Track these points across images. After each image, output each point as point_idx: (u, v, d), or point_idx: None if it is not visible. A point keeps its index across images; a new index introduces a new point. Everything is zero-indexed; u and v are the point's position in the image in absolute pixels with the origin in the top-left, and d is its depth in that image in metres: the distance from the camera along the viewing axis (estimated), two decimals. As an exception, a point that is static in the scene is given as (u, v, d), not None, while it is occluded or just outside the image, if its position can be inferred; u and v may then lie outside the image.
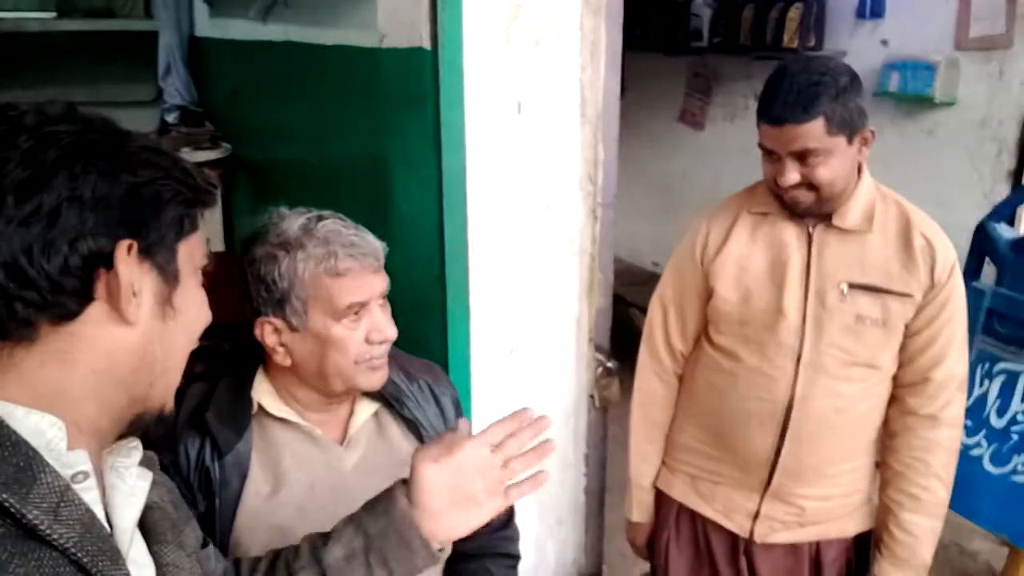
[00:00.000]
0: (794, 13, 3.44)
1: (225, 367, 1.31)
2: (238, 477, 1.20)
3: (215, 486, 1.19)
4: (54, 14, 3.92)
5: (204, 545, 0.87)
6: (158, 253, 0.71)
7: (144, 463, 0.78)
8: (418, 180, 1.73)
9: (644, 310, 3.23)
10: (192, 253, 0.76)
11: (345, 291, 1.18)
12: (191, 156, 3.49)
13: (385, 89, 1.83)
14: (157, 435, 1.20)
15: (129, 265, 0.68)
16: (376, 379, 1.24)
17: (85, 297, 0.67)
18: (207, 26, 3.68)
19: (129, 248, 0.67)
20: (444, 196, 1.67)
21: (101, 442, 0.72)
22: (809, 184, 1.44)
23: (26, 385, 0.66)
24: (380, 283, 1.22)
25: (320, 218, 1.21)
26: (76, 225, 0.65)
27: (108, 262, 0.67)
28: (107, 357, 0.69)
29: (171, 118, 3.73)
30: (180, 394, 1.25)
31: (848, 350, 1.51)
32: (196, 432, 1.20)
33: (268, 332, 1.21)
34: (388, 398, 1.32)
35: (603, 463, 1.98)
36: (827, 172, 1.42)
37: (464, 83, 1.62)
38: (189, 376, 1.38)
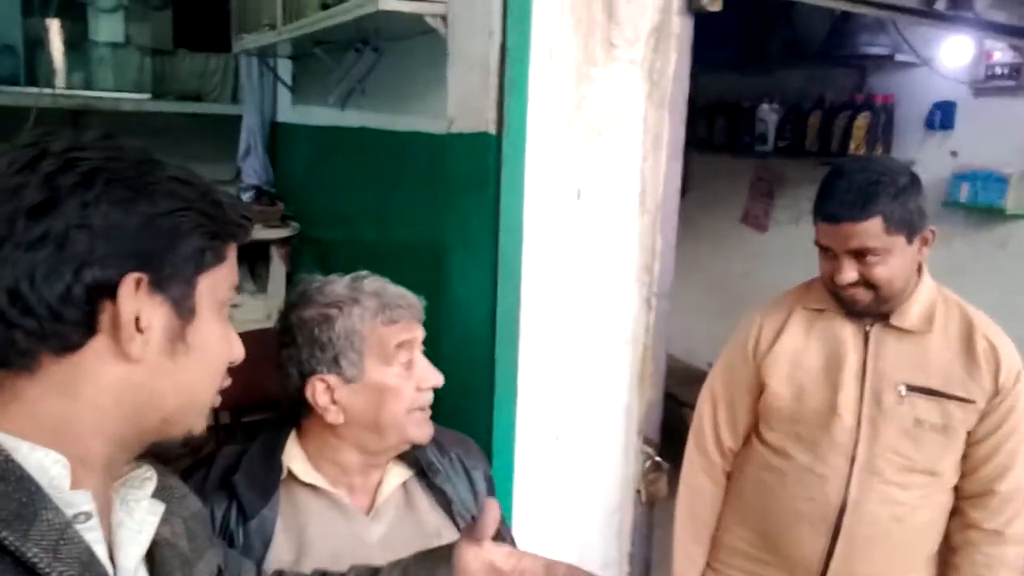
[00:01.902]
0: (861, 121, 3.45)
1: (259, 431, 1.32)
2: (261, 543, 1.19)
3: (237, 550, 1.17)
4: (148, 95, 4.17)
5: (220, 572, 0.86)
6: (173, 287, 0.69)
7: (159, 494, 0.76)
8: (475, 263, 1.75)
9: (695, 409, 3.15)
10: (216, 287, 0.73)
11: (396, 333, 1.23)
12: (261, 233, 3.62)
13: (450, 173, 1.88)
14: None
15: (136, 299, 0.66)
16: (427, 431, 1.27)
17: (87, 329, 0.65)
18: (288, 112, 3.87)
19: (138, 282, 0.66)
20: (499, 279, 1.68)
21: (112, 471, 0.71)
22: (867, 283, 1.41)
23: (30, 417, 0.65)
24: (422, 332, 1.29)
25: (360, 277, 1.28)
26: (82, 253, 0.63)
27: (114, 294, 0.65)
28: (111, 392, 0.67)
29: (246, 197, 3.89)
30: (211, 457, 1.27)
31: (905, 455, 1.45)
32: (224, 494, 1.20)
33: (320, 391, 1.22)
34: (420, 465, 1.31)
35: (648, 563, 1.90)
36: (885, 271, 1.39)
37: (526, 168, 1.65)
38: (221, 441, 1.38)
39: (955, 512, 1.49)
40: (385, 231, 2.52)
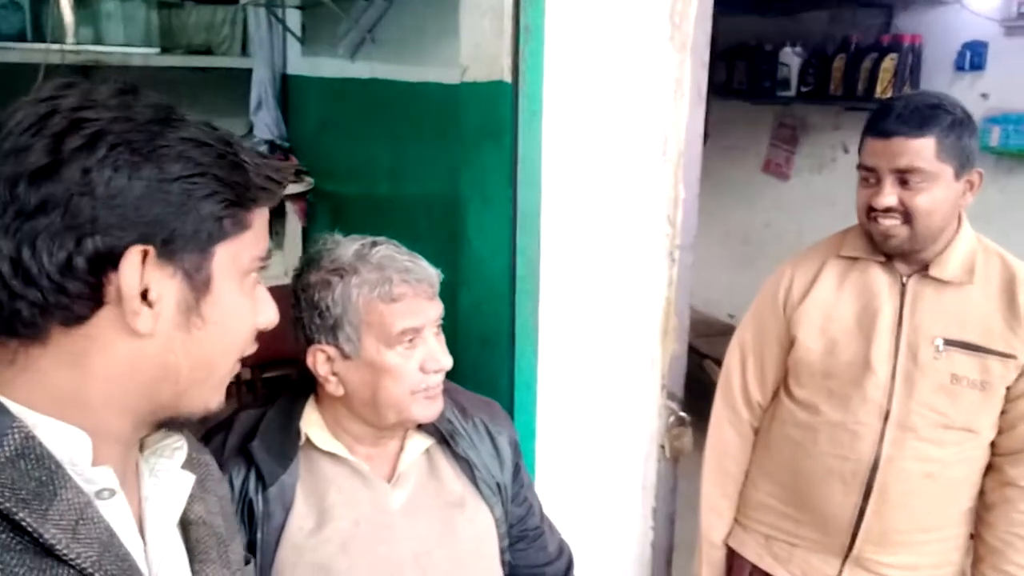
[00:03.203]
0: (888, 63, 3.35)
1: (277, 395, 1.30)
2: (282, 510, 1.17)
3: (258, 518, 1.16)
4: (158, 50, 4.11)
5: (247, 562, 0.84)
6: (185, 258, 0.64)
7: (192, 467, 0.74)
8: (492, 216, 1.70)
9: (719, 362, 3.13)
10: (238, 255, 0.68)
11: (399, 316, 1.15)
12: (275, 189, 3.58)
13: (464, 124, 1.82)
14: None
15: (144, 271, 0.62)
16: (432, 410, 1.20)
17: (94, 300, 0.62)
18: (299, 64, 3.80)
19: (145, 254, 0.62)
20: (518, 232, 1.64)
21: (130, 445, 0.68)
22: (905, 213, 1.36)
23: (42, 387, 0.62)
24: (434, 310, 1.20)
25: (374, 244, 1.20)
26: (84, 222, 0.60)
27: (117, 265, 0.61)
28: (123, 364, 0.64)
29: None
30: (230, 421, 1.25)
31: (942, 411, 1.40)
32: (243, 461, 1.18)
33: (320, 361, 1.19)
34: (442, 434, 1.28)
35: (672, 518, 1.88)
36: (927, 200, 1.34)
37: (543, 117, 1.59)
38: (241, 405, 1.36)
39: (991, 469, 1.46)
40: (400, 185, 2.48)
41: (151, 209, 0.62)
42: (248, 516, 1.17)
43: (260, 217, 0.71)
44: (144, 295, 0.63)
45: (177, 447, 0.73)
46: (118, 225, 0.61)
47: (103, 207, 0.60)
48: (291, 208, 3.66)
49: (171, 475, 0.72)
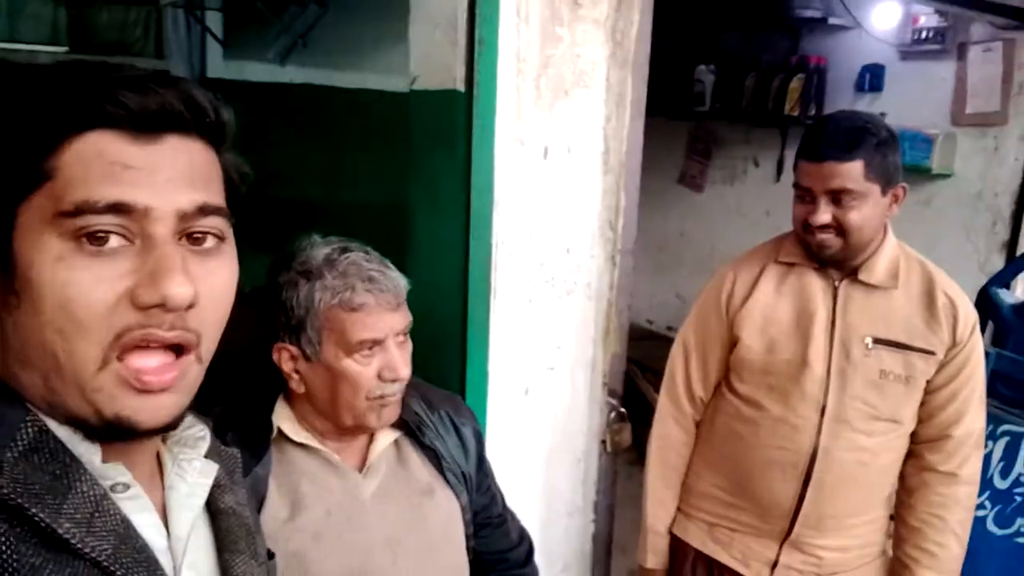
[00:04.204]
0: (796, 83, 3.56)
1: (247, 390, 1.31)
2: (255, 501, 1.18)
3: None
4: (66, 48, 3.96)
5: (271, 556, 0.82)
6: None
7: (219, 458, 0.74)
8: (444, 221, 1.75)
9: (639, 364, 3.24)
10: (40, 218, 0.55)
11: (359, 326, 1.17)
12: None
13: (414, 131, 1.86)
14: None
15: None
16: (386, 417, 1.23)
17: None
18: (220, 67, 3.72)
19: None
20: (471, 237, 1.69)
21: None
22: (839, 228, 1.47)
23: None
24: (399, 321, 1.21)
25: (345, 250, 1.21)
26: None
27: None
28: (11, 340, 0.59)
29: (179, 157, 3.75)
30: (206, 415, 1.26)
31: (872, 404, 1.53)
32: None
33: (285, 358, 1.21)
34: (410, 426, 1.32)
35: (611, 510, 1.97)
36: (858, 217, 1.46)
37: (496, 127, 1.65)
38: (210, 403, 1.36)
39: (911, 455, 1.59)
40: (338, 192, 2.48)
41: None
42: None
43: (76, 157, 0.56)
44: None
45: (200, 436, 0.71)
46: None
47: None
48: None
49: (194, 464, 0.70)
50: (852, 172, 1.44)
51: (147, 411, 0.60)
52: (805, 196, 1.51)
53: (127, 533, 0.61)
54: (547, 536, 1.91)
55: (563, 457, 1.90)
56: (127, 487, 0.63)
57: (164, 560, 0.65)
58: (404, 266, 1.84)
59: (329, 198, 2.57)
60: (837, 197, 1.46)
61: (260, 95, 3.19)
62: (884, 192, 1.48)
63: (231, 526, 0.73)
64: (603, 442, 1.89)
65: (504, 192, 1.70)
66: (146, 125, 0.58)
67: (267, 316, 1.23)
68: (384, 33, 2.03)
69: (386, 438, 1.31)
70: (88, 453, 0.61)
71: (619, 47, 1.79)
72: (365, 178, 2.25)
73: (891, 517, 1.66)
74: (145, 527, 0.64)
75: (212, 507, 0.73)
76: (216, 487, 0.73)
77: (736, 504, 1.66)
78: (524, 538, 1.52)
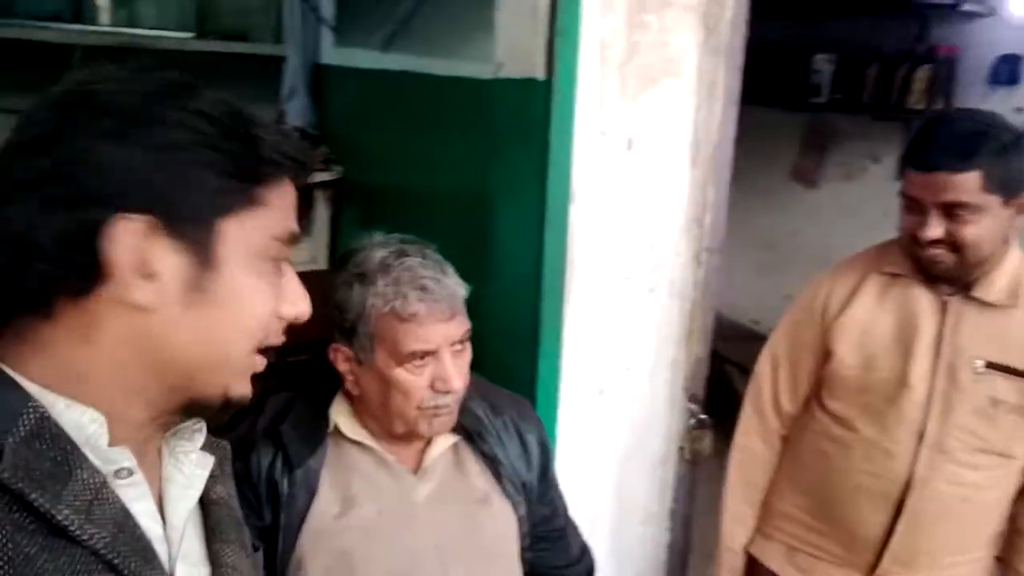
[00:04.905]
0: (922, 74, 3.32)
1: (310, 382, 1.31)
2: (306, 494, 1.18)
3: (282, 500, 1.18)
4: (192, 34, 4.14)
5: (256, 549, 0.83)
6: (187, 230, 0.62)
7: (211, 448, 0.74)
8: (521, 212, 1.71)
9: (739, 366, 3.11)
10: (249, 233, 0.65)
11: (411, 337, 1.14)
12: (303, 178, 3.61)
13: (496, 120, 1.83)
14: (236, 438, 1.21)
15: (138, 242, 0.60)
16: (438, 426, 1.20)
17: (95, 273, 0.60)
18: (331, 53, 3.81)
19: (142, 223, 0.60)
20: (545, 230, 1.64)
21: (146, 427, 0.67)
22: (952, 244, 1.32)
23: (54, 365, 0.62)
24: (453, 330, 1.17)
25: (402, 253, 1.17)
26: (82, 191, 0.59)
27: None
28: (129, 341, 0.63)
29: (289, 140, 3.86)
30: (260, 404, 1.26)
31: (979, 435, 1.38)
32: (270, 443, 1.20)
33: (340, 359, 1.20)
34: (469, 431, 1.28)
35: (688, 520, 1.89)
36: (975, 232, 1.31)
37: (575, 116, 1.60)
38: (269, 388, 1.38)
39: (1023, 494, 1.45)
40: (429, 177, 2.49)
41: (148, 179, 0.61)
42: (273, 498, 1.19)
43: (279, 196, 0.67)
44: (143, 267, 0.61)
45: (197, 429, 0.72)
46: (114, 194, 0.60)
47: (100, 176, 0.59)
48: (320, 196, 3.68)
49: (191, 456, 0.71)
50: (968, 184, 1.28)
51: (250, 392, 0.71)
52: (914, 207, 1.36)
53: (125, 521, 0.62)
54: (619, 542, 1.85)
55: (639, 462, 1.83)
56: (130, 473, 0.64)
57: (160, 549, 0.66)
58: (483, 257, 1.83)
59: (419, 185, 2.58)
60: (950, 210, 1.31)
61: (365, 81, 3.25)
62: (1007, 203, 1.31)
63: (222, 516, 0.75)
64: (681, 448, 1.81)
65: (583, 184, 1.64)
66: (302, 178, 0.71)
67: (329, 315, 1.23)
68: (475, 20, 2.00)
69: (444, 442, 1.28)
70: (96, 436, 0.62)
71: (712, 34, 1.69)
72: (452, 166, 2.24)
73: (998, 559, 1.50)
74: (142, 515, 0.65)
75: (204, 498, 0.73)
76: (209, 478, 0.73)
77: (819, 529, 1.55)
78: (585, 555, 1.46)
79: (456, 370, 1.17)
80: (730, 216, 1.82)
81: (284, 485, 1.19)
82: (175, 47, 4.00)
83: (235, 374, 0.68)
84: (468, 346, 1.21)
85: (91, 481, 0.60)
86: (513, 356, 1.74)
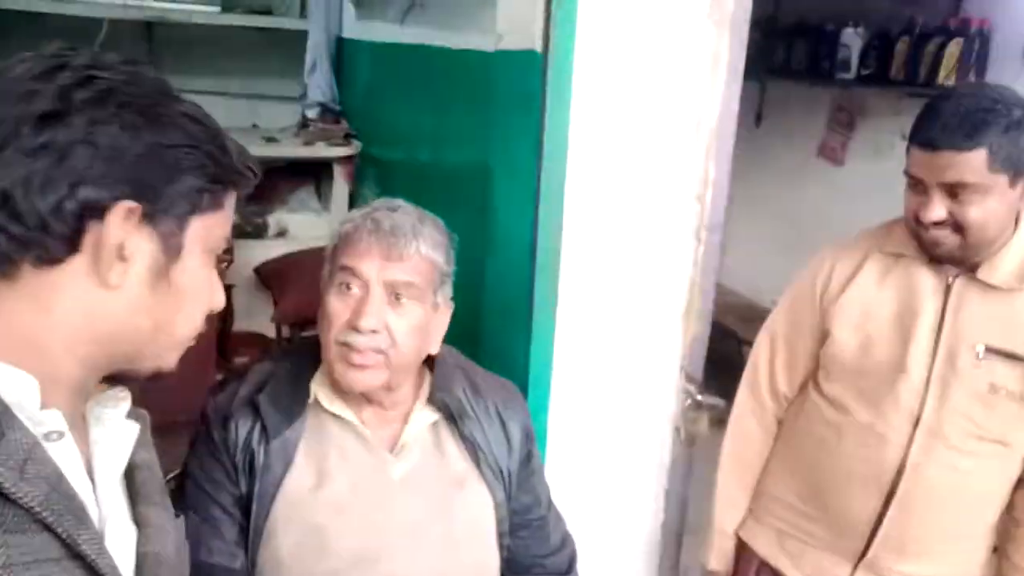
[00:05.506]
0: (954, 48, 3.20)
1: (294, 353, 1.31)
2: (282, 464, 1.19)
3: (257, 469, 1.18)
4: (218, 8, 4.15)
5: (176, 516, 0.85)
6: (164, 222, 0.68)
7: (133, 416, 0.76)
8: (518, 186, 1.69)
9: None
10: (209, 232, 0.73)
11: (343, 254, 1.17)
12: (324, 151, 3.62)
13: (496, 92, 1.81)
14: (216, 406, 1.21)
15: (124, 227, 0.65)
16: (350, 376, 1.16)
17: (72, 245, 0.64)
18: (353, 27, 3.81)
19: (130, 211, 0.65)
20: (541, 204, 1.63)
21: (81, 392, 0.70)
22: (956, 224, 1.28)
23: (5, 327, 0.64)
24: (392, 271, 1.15)
25: (386, 204, 1.23)
26: (81, 170, 0.63)
27: (103, 216, 0.64)
28: (85, 314, 0.66)
29: (311, 114, 3.88)
30: (245, 372, 1.27)
31: (976, 421, 1.34)
32: (250, 412, 1.20)
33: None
34: (450, 411, 1.27)
35: (684, 500, 1.87)
36: (979, 213, 1.26)
37: (573, 89, 1.57)
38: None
39: (1023, 484, 1.40)
40: (438, 151, 2.48)
41: (145, 170, 0.66)
42: (249, 467, 1.19)
43: (231, 201, 0.75)
44: (119, 250, 0.66)
45: (122, 397, 0.76)
46: (113, 179, 0.64)
47: (102, 159, 0.64)
48: (339, 171, 3.69)
49: (116, 423, 0.74)
50: (972, 163, 1.23)
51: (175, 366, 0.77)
52: (917, 186, 1.31)
53: (59, 481, 0.63)
54: (614, 522, 1.84)
55: (634, 443, 1.80)
56: (60, 435, 0.65)
57: (91, 510, 0.67)
58: (484, 232, 1.82)
59: (429, 159, 2.58)
60: (954, 190, 1.26)
61: (383, 54, 3.24)
62: (1013, 183, 1.26)
63: (146, 479, 0.78)
64: (677, 429, 1.79)
65: (579, 158, 1.61)
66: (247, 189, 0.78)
67: None
68: (485, -8, 1.98)
69: (422, 420, 1.27)
70: (28, 398, 0.63)
71: (716, 5, 1.64)
72: (459, 140, 2.23)
73: (995, 550, 1.46)
74: (73, 477, 0.66)
75: (129, 462, 0.76)
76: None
77: (810, 514, 1.52)
78: (566, 544, 1.44)
79: (376, 312, 1.14)
80: (752, 193, 1.78)
81: (260, 454, 1.19)
82: (202, 20, 4.03)
83: (173, 351, 0.75)
84: (412, 307, 1.17)
85: (24, 441, 0.61)
86: (509, 332, 1.73)
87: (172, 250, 0.70)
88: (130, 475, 0.77)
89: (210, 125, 0.72)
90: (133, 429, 0.76)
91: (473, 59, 1.99)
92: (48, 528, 0.61)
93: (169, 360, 0.75)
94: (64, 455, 0.65)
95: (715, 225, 1.72)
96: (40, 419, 0.64)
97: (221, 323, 3.22)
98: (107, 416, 0.74)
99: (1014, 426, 1.34)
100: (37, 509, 0.60)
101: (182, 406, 1.26)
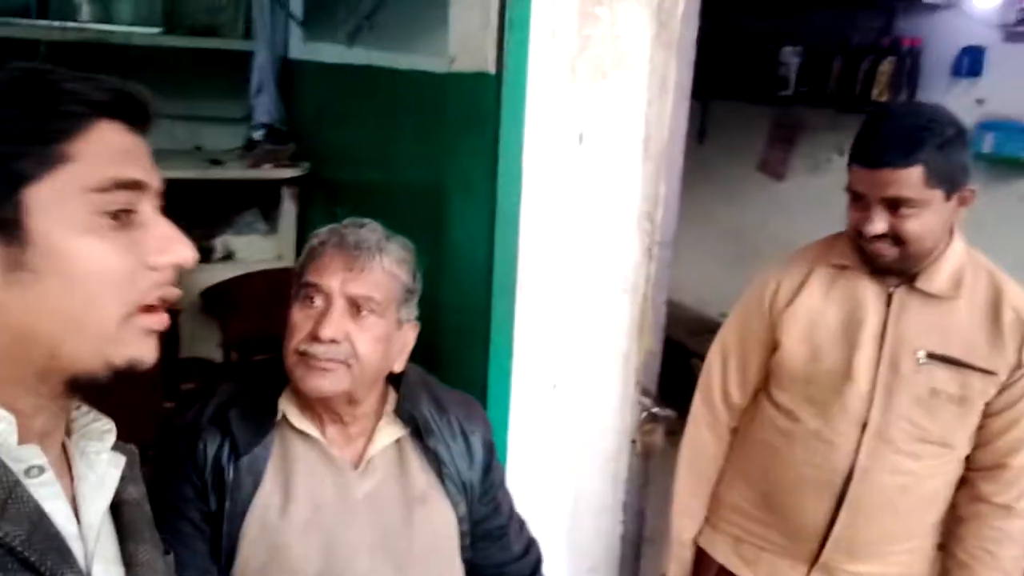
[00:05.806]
0: (886, 66, 3.33)
1: (261, 371, 1.31)
2: (251, 482, 1.19)
3: (227, 487, 1.18)
4: (160, 29, 4.10)
5: (167, 552, 0.81)
6: None
7: (119, 449, 0.74)
8: (473, 207, 1.71)
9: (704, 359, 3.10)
10: (64, 197, 0.61)
11: (308, 270, 1.19)
12: (270, 173, 3.60)
13: (450, 114, 1.83)
14: (184, 424, 1.21)
15: None
16: (310, 382, 1.16)
17: None
18: (300, 48, 3.80)
19: None
20: (496, 223, 1.65)
21: (48, 420, 0.66)
22: (896, 237, 1.34)
23: None
24: (354, 285, 1.17)
25: (352, 222, 1.25)
26: None
27: None
28: None
29: (257, 135, 3.84)
30: (210, 391, 1.26)
31: (919, 424, 1.40)
32: (217, 430, 1.20)
33: None
34: (416, 427, 1.28)
35: (642, 512, 1.90)
36: (917, 226, 1.32)
37: (526, 110, 1.60)
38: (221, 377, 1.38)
39: (964, 483, 1.45)
40: (390, 173, 2.49)
41: None
42: (218, 485, 1.19)
43: (92, 144, 0.63)
44: None
45: (106, 430, 0.72)
46: None
47: None
48: (286, 193, 3.67)
49: (102, 457, 0.71)
50: (910, 179, 1.29)
51: (152, 354, 0.68)
52: (859, 201, 1.37)
53: (41, 520, 0.62)
54: (573, 535, 1.86)
55: (592, 455, 1.83)
56: (41, 471, 0.63)
57: (75, 548, 0.65)
58: (439, 253, 1.83)
59: (382, 180, 2.58)
60: (894, 205, 1.32)
61: (331, 77, 3.24)
62: (948, 197, 1.33)
63: (135, 516, 0.75)
64: (633, 442, 1.82)
65: (534, 179, 1.64)
66: (139, 118, 0.67)
67: None
68: (433, 14, 2.00)
69: (387, 436, 1.28)
70: (5, 435, 0.61)
71: (664, 28, 1.69)
72: (410, 160, 2.24)
73: (939, 547, 1.52)
74: (56, 514, 0.64)
75: (116, 498, 0.73)
76: (121, 478, 0.73)
77: (764, 520, 1.56)
78: (530, 551, 1.46)
79: (336, 323, 1.15)
80: (697, 209, 1.82)
81: (230, 471, 1.19)
82: (144, 43, 3.97)
83: (109, 340, 0.64)
84: (373, 320, 1.18)
85: (5, 480, 0.60)
86: (466, 352, 1.74)
87: (17, 237, 0.60)
88: (118, 511, 0.74)
89: (11, 83, 0.61)
90: (118, 462, 0.73)
91: (425, 80, 2.01)
92: (31, 567, 0.59)
93: (118, 351, 0.64)
94: (46, 491, 0.63)
95: (666, 241, 1.77)
96: (18, 455, 0.62)
97: (166, 349, 3.16)
98: (92, 449, 0.71)
99: (955, 428, 1.40)
100: (19, 549, 0.59)
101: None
